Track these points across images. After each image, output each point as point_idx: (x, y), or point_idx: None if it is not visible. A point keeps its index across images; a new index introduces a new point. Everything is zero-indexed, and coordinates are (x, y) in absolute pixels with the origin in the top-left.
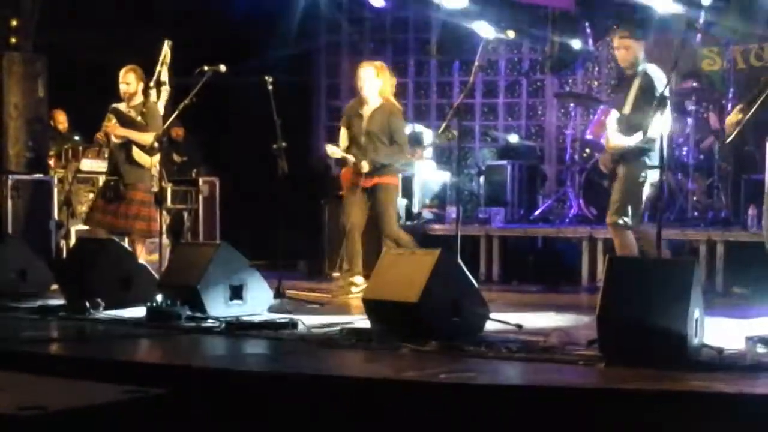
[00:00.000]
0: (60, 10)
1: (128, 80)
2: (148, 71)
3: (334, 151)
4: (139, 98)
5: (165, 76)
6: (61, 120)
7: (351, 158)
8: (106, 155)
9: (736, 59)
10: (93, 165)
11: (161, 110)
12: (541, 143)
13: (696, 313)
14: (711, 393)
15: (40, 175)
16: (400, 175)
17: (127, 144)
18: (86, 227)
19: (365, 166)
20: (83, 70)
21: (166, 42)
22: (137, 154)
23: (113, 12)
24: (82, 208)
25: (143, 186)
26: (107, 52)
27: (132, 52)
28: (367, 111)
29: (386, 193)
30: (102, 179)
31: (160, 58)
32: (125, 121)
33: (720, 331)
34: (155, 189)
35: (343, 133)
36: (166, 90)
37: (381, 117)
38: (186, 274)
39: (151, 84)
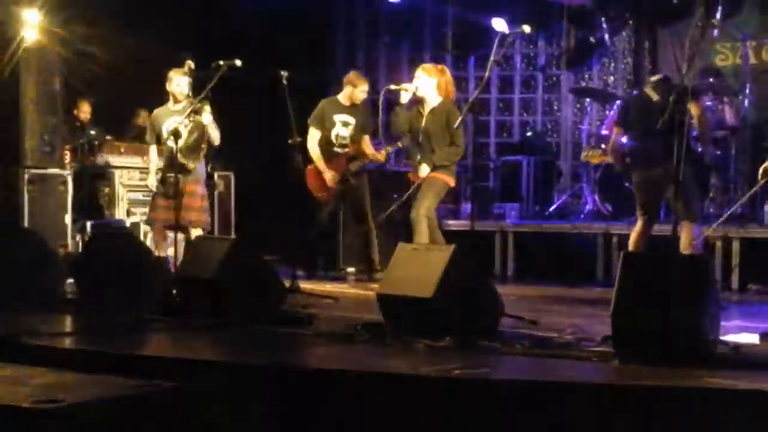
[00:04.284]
0: (78, 4)
1: (185, 81)
2: (169, 64)
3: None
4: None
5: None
6: (85, 110)
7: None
8: (122, 150)
9: (749, 54)
10: (109, 160)
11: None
12: (556, 138)
13: (711, 309)
14: (727, 390)
15: (56, 170)
16: (455, 178)
17: None
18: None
19: (424, 170)
20: (101, 65)
21: (221, 64)
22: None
23: (132, 6)
24: (99, 203)
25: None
26: (125, 46)
27: (151, 46)
28: (425, 110)
29: (432, 184)
30: (117, 173)
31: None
32: None
33: (736, 328)
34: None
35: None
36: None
37: (439, 116)
38: (201, 269)
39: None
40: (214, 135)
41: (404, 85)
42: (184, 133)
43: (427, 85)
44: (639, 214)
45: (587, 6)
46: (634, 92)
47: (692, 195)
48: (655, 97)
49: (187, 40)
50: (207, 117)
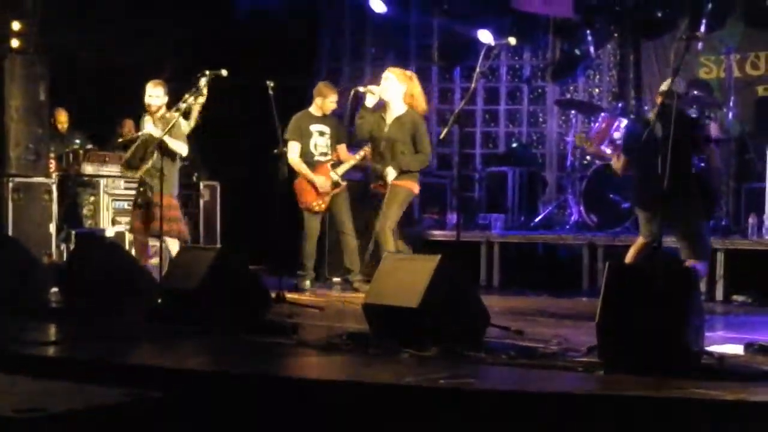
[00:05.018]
0: (62, 11)
1: (158, 93)
2: (154, 71)
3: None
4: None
5: (193, 105)
6: (62, 120)
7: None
8: (107, 159)
9: (733, 67)
10: (94, 168)
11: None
12: (542, 150)
13: (696, 320)
14: (711, 400)
15: (41, 178)
16: (419, 184)
17: None
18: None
19: (391, 173)
20: (85, 71)
21: (207, 74)
22: None
23: (115, 12)
24: (83, 212)
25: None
26: (109, 52)
27: (139, 55)
28: (389, 117)
29: (396, 194)
30: (102, 183)
31: (196, 88)
32: None
33: (720, 339)
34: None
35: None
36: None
37: (405, 125)
38: (186, 278)
39: (177, 109)
40: (175, 147)
41: (371, 88)
42: (132, 147)
43: (395, 90)
44: (641, 234)
45: (573, 19)
46: (639, 118)
47: (698, 233)
48: (659, 130)
49: (173, 50)
50: (153, 128)
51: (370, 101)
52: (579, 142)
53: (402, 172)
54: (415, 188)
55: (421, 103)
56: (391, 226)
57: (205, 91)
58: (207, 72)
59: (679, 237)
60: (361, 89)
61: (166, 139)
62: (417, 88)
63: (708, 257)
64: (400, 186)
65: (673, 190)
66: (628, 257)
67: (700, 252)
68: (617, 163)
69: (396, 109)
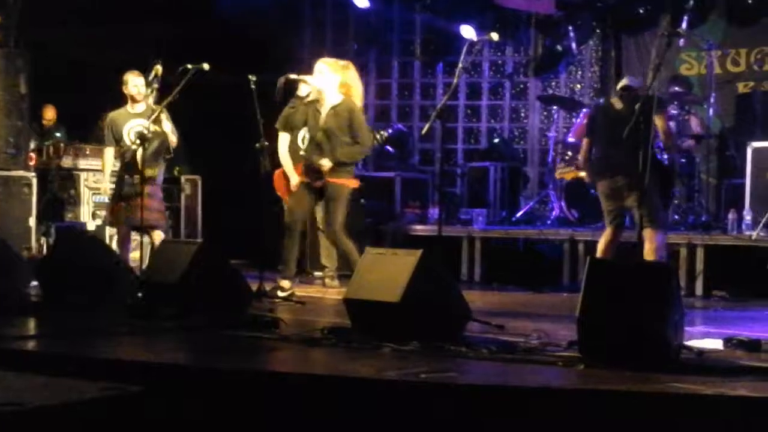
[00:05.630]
0: (45, 6)
1: (142, 82)
2: (136, 66)
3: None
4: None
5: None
6: (48, 117)
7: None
8: (88, 153)
9: (714, 64)
10: (74, 162)
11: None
12: (524, 145)
13: (676, 315)
14: (690, 395)
15: (21, 172)
16: (354, 178)
17: None
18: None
19: (326, 164)
20: (68, 67)
21: (158, 63)
22: None
23: (99, 9)
24: (63, 205)
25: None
26: (92, 48)
27: (119, 49)
28: (325, 108)
29: (337, 194)
30: (83, 176)
31: (149, 78)
32: None
33: (700, 334)
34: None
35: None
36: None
37: (342, 114)
38: (167, 272)
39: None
40: (173, 140)
41: (304, 77)
42: (147, 146)
43: (329, 80)
44: (607, 223)
45: (555, 15)
46: (600, 101)
47: (655, 203)
48: (619, 105)
49: (153, 44)
50: (167, 125)
51: (303, 90)
52: (560, 175)
53: (338, 165)
54: (353, 183)
55: (357, 93)
56: (341, 226)
57: (159, 72)
58: (189, 66)
59: (637, 206)
60: (292, 76)
61: (168, 131)
62: (352, 77)
63: (666, 227)
64: (338, 184)
65: (633, 161)
66: (599, 251)
67: (660, 221)
68: (581, 167)
69: (331, 99)
